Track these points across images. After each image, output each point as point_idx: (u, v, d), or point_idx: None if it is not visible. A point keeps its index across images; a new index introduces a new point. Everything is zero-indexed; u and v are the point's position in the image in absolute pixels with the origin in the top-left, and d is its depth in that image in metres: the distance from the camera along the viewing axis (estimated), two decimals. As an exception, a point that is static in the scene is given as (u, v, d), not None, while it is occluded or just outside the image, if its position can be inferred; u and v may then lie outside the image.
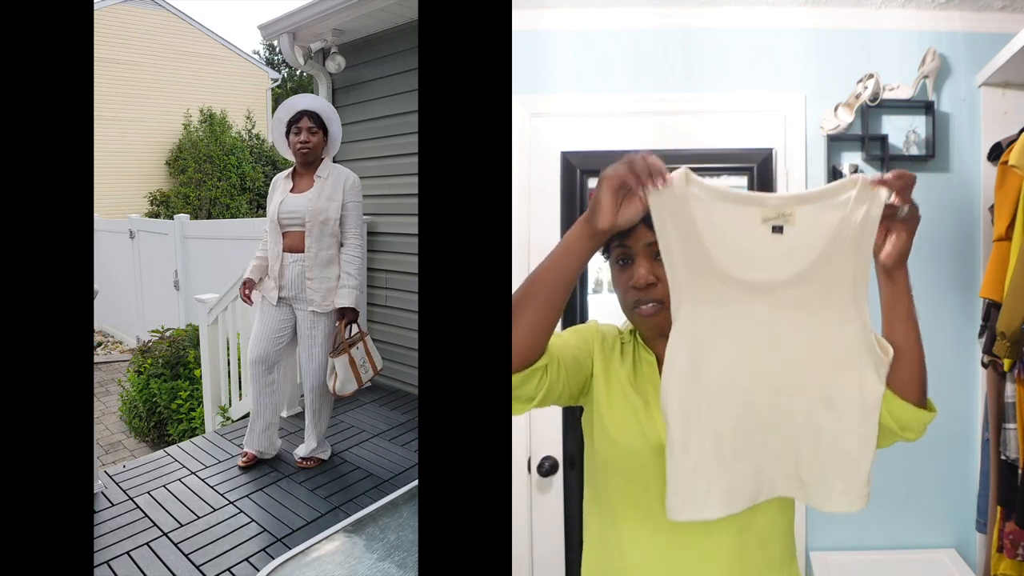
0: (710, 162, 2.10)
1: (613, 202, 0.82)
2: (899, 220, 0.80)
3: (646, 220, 0.92)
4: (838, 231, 0.81)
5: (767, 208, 0.81)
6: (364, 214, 3.70)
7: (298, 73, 14.85)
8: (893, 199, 0.79)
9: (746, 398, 0.86)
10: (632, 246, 0.97)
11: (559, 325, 2.14)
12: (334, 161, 3.90)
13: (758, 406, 0.87)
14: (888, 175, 0.80)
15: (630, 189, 0.82)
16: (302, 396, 2.83)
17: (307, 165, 2.55)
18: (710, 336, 0.86)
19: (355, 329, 2.64)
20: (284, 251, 2.52)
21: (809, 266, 0.82)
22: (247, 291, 2.63)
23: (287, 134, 2.55)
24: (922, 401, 0.89)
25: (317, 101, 2.61)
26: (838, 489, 0.88)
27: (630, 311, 1.00)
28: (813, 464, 0.88)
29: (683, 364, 0.86)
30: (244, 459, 2.68)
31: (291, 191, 2.54)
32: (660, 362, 1.01)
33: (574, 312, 2.10)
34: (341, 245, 2.56)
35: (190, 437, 3.53)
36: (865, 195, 0.80)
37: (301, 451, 2.72)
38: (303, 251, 2.49)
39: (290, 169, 2.62)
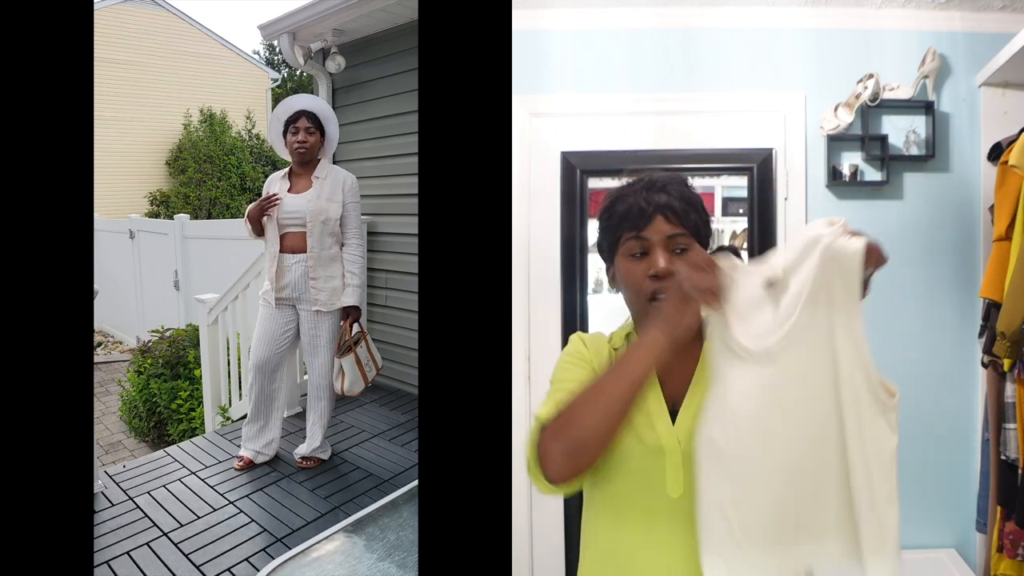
0: (710, 162, 2.11)
1: (697, 317, 0.86)
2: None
3: (663, 212, 0.93)
4: (820, 271, 0.83)
5: (767, 271, 0.86)
6: (364, 214, 3.71)
7: (298, 73, 14.85)
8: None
9: (783, 477, 0.85)
10: (650, 238, 0.94)
11: (557, 334, 2.13)
12: (334, 162, 3.92)
13: (795, 484, 0.85)
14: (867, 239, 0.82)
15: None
16: (302, 396, 2.83)
17: (303, 165, 2.55)
18: (735, 421, 0.86)
19: (357, 328, 2.65)
20: (284, 252, 2.51)
21: (799, 316, 0.84)
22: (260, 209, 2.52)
23: (284, 133, 2.55)
24: None
25: (316, 101, 2.61)
26: (875, 554, 0.86)
27: (645, 303, 0.96)
28: (855, 532, 0.86)
29: (718, 443, 0.87)
30: (240, 463, 2.69)
31: (289, 191, 2.54)
32: None
33: (574, 312, 2.10)
34: (341, 245, 2.57)
35: (190, 437, 3.53)
36: (839, 237, 0.83)
37: (302, 450, 2.72)
38: (304, 251, 2.49)
39: (286, 170, 2.62)
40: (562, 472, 0.87)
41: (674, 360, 0.97)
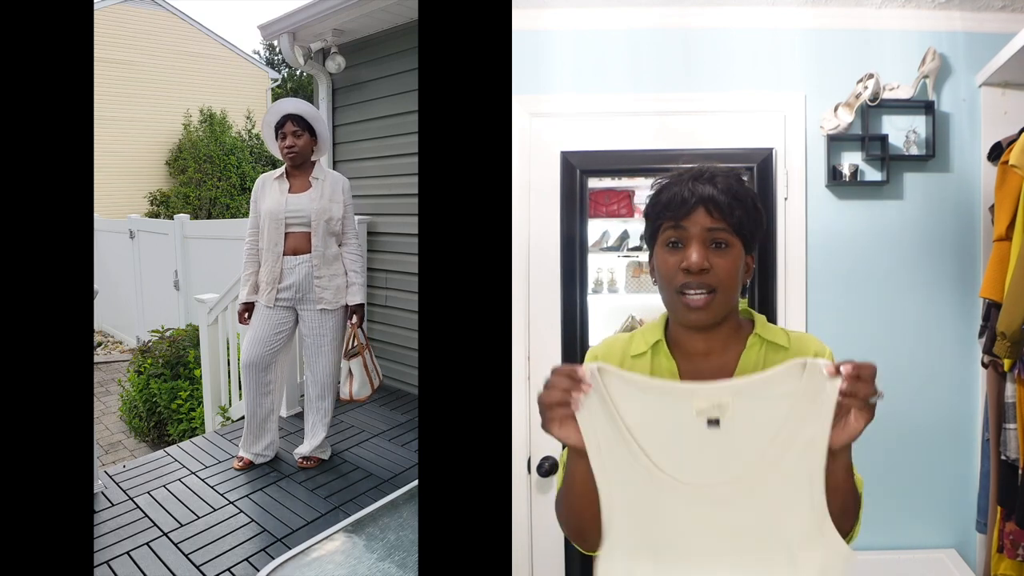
0: (710, 162, 2.10)
1: (561, 430, 0.80)
2: (860, 409, 0.73)
3: (705, 205, 0.90)
4: (781, 428, 0.73)
5: (700, 399, 0.75)
6: (364, 214, 3.73)
7: (298, 73, 14.85)
8: (846, 387, 0.72)
9: None
10: (688, 228, 0.91)
11: (557, 334, 2.12)
12: (334, 162, 3.93)
13: None
14: (848, 367, 0.73)
15: (566, 411, 0.80)
16: (302, 396, 2.83)
17: (298, 167, 2.58)
18: (649, 547, 0.80)
19: (362, 336, 2.68)
20: (287, 254, 2.52)
21: (748, 467, 0.75)
22: (247, 315, 2.65)
23: (276, 138, 2.59)
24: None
25: (300, 104, 2.62)
26: None
27: (673, 296, 0.92)
28: None
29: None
30: (240, 463, 2.69)
31: (289, 192, 2.55)
32: (683, 366, 0.97)
33: (574, 312, 2.10)
34: (340, 245, 2.59)
35: (190, 437, 3.53)
36: (815, 385, 0.72)
37: (303, 450, 2.72)
38: (307, 252, 2.51)
39: (280, 170, 2.63)
40: (585, 549, 0.90)
41: (705, 366, 0.96)
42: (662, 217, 0.94)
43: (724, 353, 0.96)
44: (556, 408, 0.80)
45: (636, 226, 2.51)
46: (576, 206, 2.10)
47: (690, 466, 0.77)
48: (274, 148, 2.63)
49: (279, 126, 2.55)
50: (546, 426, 0.81)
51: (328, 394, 2.67)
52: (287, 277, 2.53)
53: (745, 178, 2.10)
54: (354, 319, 2.60)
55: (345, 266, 2.59)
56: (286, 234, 2.52)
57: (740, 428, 0.74)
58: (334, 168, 3.95)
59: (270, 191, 2.57)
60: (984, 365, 2.00)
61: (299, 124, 2.54)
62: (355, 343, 2.60)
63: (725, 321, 0.95)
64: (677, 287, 0.91)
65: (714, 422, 0.74)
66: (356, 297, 2.59)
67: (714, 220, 0.91)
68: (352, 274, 2.60)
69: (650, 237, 0.98)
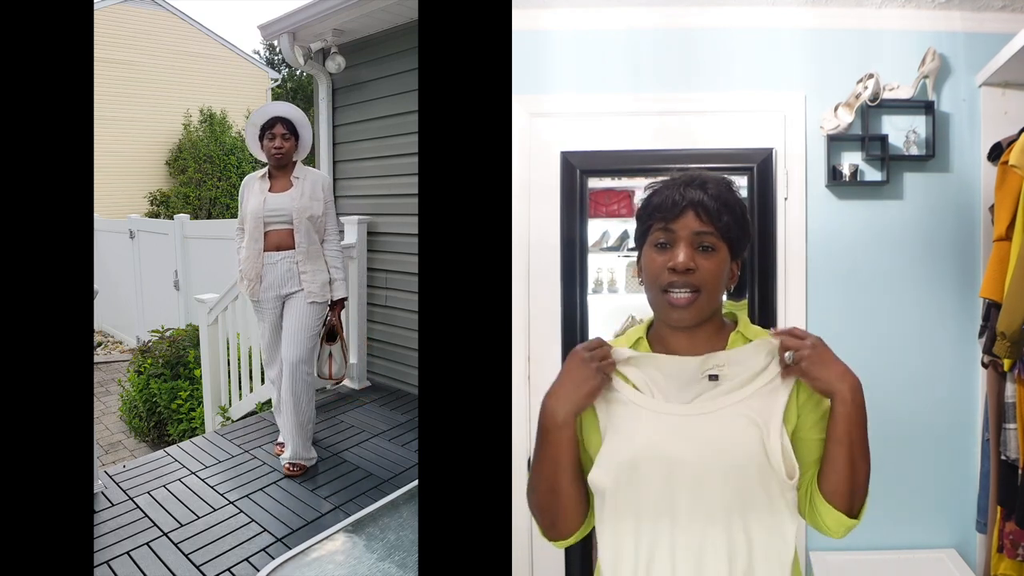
0: (710, 162, 2.11)
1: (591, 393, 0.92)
2: (791, 365, 0.91)
3: (695, 209, 0.94)
4: (761, 377, 0.94)
5: (706, 362, 0.94)
6: (364, 214, 3.74)
7: (298, 73, 14.84)
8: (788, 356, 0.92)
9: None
10: (677, 230, 0.95)
11: (557, 334, 2.11)
12: (334, 162, 3.94)
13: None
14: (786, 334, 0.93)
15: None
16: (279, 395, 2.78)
17: (280, 168, 2.66)
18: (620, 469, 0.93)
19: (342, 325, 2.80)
20: (267, 249, 2.57)
21: (734, 401, 0.93)
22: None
23: (261, 138, 2.65)
24: (850, 511, 0.92)
25: (290, 108, 2.71)
26: None
27: (658, 294, 0.96)
28: None
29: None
30: (281, 448, 2.77)
31: (270, 191, 2.60)
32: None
33: (574, 312, 2.10)
34: (322, 242, 2.68)
35: (190, 437, 3.53)
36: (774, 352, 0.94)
37: (286, 456, 2.68)
38: (291, 248, 2.58)
39: (263, 171, 2.70)
40: (552, 538, 0.97)
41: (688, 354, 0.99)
42: (652, 218, 0.98)
43: (706, 350, 0.98)
44: (604, 364, 0.92)
45: (636, 226, 2.50)
46: (576, 206, 2.10)
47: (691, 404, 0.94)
48: (256, 148, 2.71)
49: (267, 126, 2.60)
50: (589, 381, 0.90)
51: (303, 391, 2.60)
52: (267, 273, 2.59)
53: (742, 184, 2.11)
54: (336, 309, 2.71)
55: (326, 262, 2.67)
56: (266, 232, 2.58)
57: (730, 377, 0.95)
58: (334, 168, 3.97)
59: (253, 190, 2.65)
60: (984, 365, 2.00)
61: (287, 127, 2.61)
62: (335, 331, 2.72)
63: (708, 321, 0.98)
64: (663, 285, 0.95)
65: (714, 377, 0.93)
66: (339, 292, 2.69)
67: (702, 224, 0.94)
68: (333, 270, 2.68)
69: (639, 238, 1.02)
